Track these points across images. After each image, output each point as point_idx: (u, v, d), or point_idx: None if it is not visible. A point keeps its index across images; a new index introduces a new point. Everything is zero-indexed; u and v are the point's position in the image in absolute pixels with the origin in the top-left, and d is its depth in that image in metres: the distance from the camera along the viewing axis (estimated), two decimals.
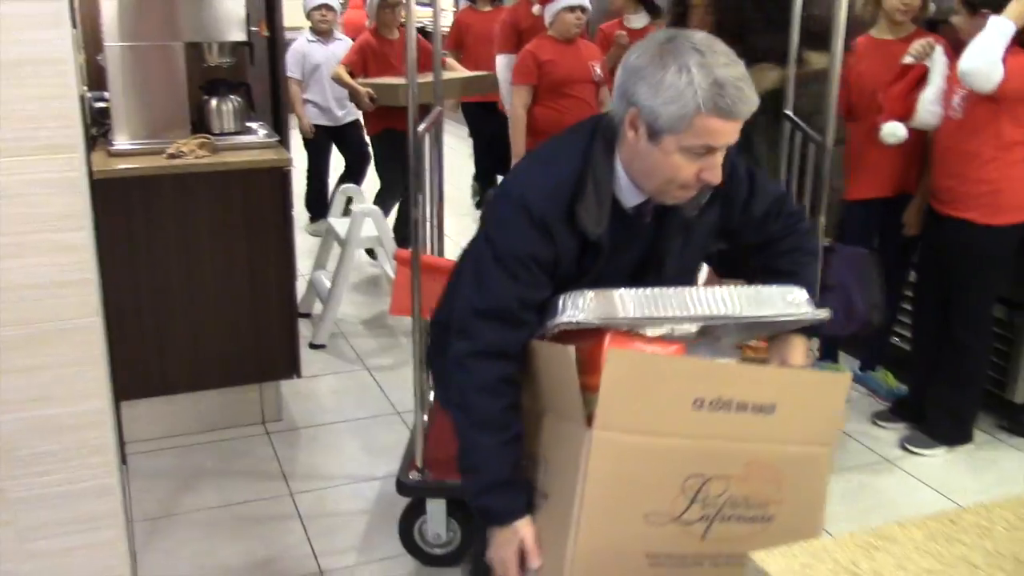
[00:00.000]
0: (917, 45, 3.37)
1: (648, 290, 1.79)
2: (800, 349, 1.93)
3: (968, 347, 3.37)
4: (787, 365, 1.91)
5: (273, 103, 4.28)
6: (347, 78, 5.04)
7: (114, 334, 2.98)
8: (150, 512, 3.11)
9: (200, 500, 3.19)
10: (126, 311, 3.31)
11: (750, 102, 1.68)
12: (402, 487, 2.80)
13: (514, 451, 1.84)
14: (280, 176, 3.43)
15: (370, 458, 3.47)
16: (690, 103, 1.66)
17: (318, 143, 5.89)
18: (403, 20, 3.68)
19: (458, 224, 5.99)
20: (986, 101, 3.12)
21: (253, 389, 3.65)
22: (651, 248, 1.91)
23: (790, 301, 1.85)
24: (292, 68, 5.47)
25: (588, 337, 1.77)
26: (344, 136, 5.87)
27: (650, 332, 1.83)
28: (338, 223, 4.72)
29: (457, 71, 5.33)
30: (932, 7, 3.58)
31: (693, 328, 1.86)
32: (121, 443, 3.03)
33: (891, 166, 3.55)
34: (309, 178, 6.07)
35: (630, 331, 1.79)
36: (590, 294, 1.77)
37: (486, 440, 1.83)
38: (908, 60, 3.38)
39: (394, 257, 2.87)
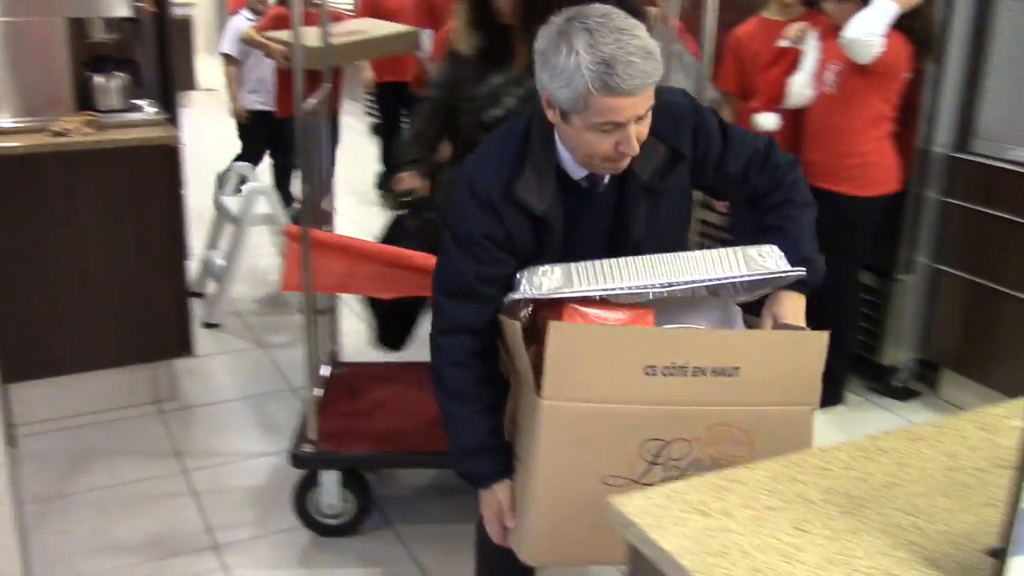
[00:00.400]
0: (793, 29, 3.52)
1: (608, 261, 1.83)
2: (788, 306, 1.89)
3: (838, 313, 3.56)
4: (778, 322, 1.88)
5: (162, 80, 4.24)
6: (256, 36, 4.83)
7: None
8: (41, 493, 3.09)
9: (92, 480, 3.18)
10: (12, 291, 3.26)
11: (642, 75, 1.67)
12: (295, 460, 2.84)
13: (487, 420, 1.94)
14: (169, 153, 3.41)
15: (265, 435, 3.50)
16: (580, 85, 1.67)
17: (252, 128, 5.50)
18: None
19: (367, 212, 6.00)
20: (858, 77, 3.29)
21: (146, 368, 3.63)
22: (615, 218, 1.93)
23: (759, 261, 1.84)
24: (228, 46, 5.16)
25: (558, 308, 1.83)
26: (285, 124, 5.12)
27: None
28: (231, 201, 4.69)
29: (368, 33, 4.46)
30: None
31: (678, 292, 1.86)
32: (10, 425, 2.99)
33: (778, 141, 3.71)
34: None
35: (601, 300, 1.82)
36: (544, 269, 1.83)
37: (459, 410, 1.95)
38: (784, 44, 3.53)
39: (283, 233, 2.89)
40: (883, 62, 3.23)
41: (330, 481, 2.86)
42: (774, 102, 3.53)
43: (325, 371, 3.29)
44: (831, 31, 3.48)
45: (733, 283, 1.83)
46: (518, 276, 1.86)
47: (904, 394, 3.85)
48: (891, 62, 3.26)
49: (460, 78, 2.84)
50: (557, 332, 1.71)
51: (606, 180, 1.89)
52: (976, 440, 1.57)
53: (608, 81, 1.66)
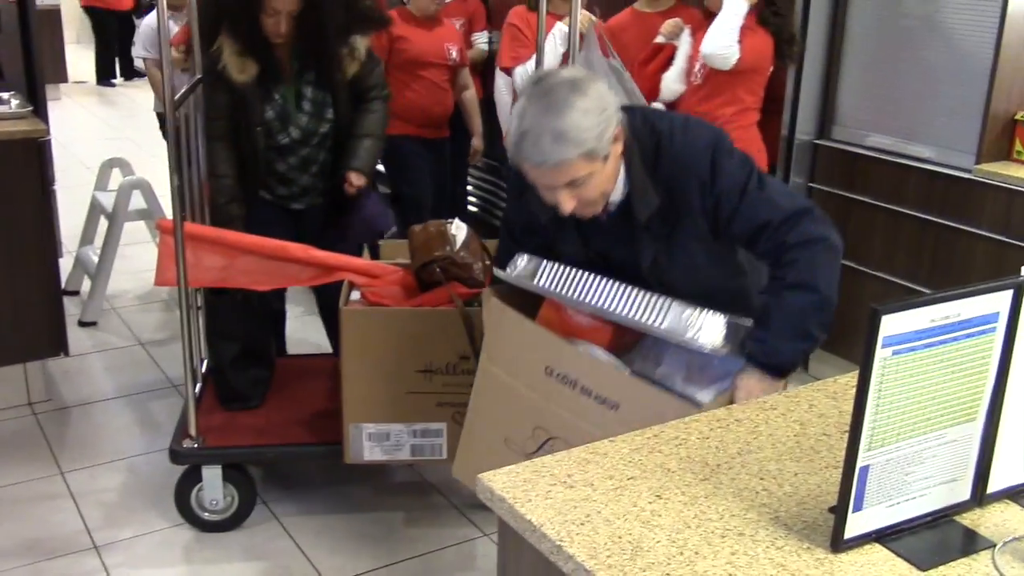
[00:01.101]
0: (668, 25, 3.60)
1: (584, 274, 2.01)
2: (746, 382, 1.89)
3: None
4: (733, 393, 1.90)
5: (27, 72, 4.11)
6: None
7: None
8: None
9: None
10: None
11: (543, 155, 1.79)
12: (176, 456, 2.81)
13: None
14: (35, 148, 3.31)
15: (145, 432, 3.44)
16: (509, 146, 1.88)
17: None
18: None
19: None
20: (724, 72, 3.41)
21: (16, 369, 3.53)
22: (625, 250, 2.04)
23: (690, 325, 1.90)
24: (147, 46, 4.76)
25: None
26: None
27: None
28: (104, 196, 4.58)
29: None
30: None
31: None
32: None
33: None
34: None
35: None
36: (524, 257, 2.07)
37: None
38: (660, 40, 3.62)
39: (157, 226, 2.85)
40: (745, 60, 3.35)
41: (212, 476, 2.84)
42: (650, 98, 3.62)
43: (203, 365, 3.26)
44: (702, 24, 3.59)
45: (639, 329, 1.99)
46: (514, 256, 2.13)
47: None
48: (754, 59, 3.38)
49: (238, 103, 2.93)
50: (488, 308, 2.16)
51: (609, 210, 2.00)
52: (824, 408, 1.67)
53: (518, 152, 1.85)
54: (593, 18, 3.59)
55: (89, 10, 9.98)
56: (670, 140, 1.95)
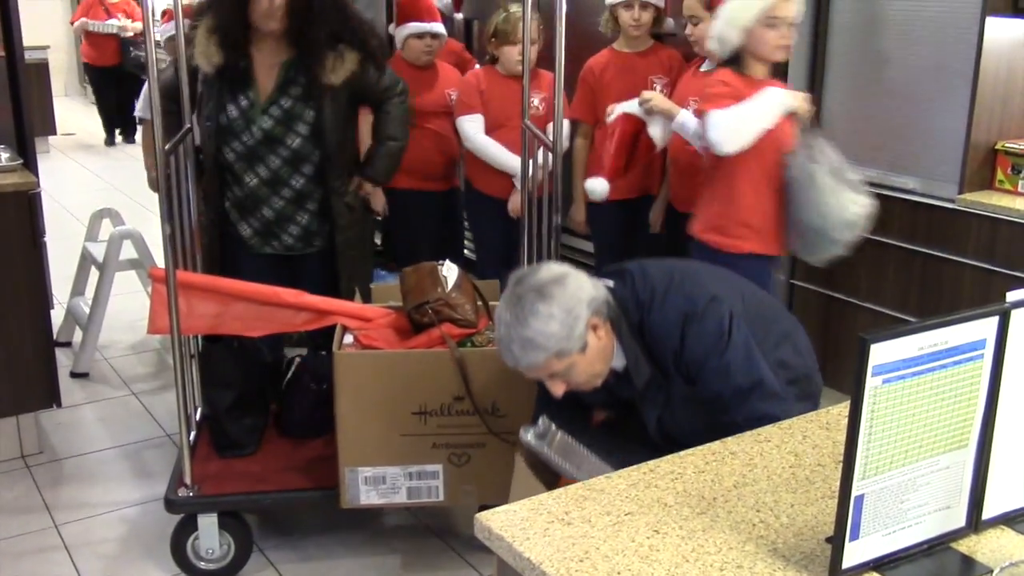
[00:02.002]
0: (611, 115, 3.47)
1: (582, 448, 2.13)
2: None
3: None
4: None
5: (16, 125, 4.13)
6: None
7: None
8: None
9: None
10: None
11: (515, 360, 1.95)
12: (171, 505, 2.80)
13: None
14: (26, 200, 3.33)
15: (139, 483, 3.42)
16: None
17: None
18: None
19: None
20: None
21: (8, 422, 3.51)
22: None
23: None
24: (145, 108, 4.73)
25: None
26: None
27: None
28: (94, 247, 4.58)
29: None
30: (669, 22, 3.85)
31: None
32: None
33: (634, 170, 3.79)
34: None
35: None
36: (541, 422, 2.15)
37: None
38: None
39: (149, 275, 2.85)
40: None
41: (208, 525, 2.82)
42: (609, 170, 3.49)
43: (198, 412, 3.25)
44: (682, 67, 3.64)
45: None
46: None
47: None
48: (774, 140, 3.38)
49: (193, 90, 2.99)
50: (516, 464, 2.25)
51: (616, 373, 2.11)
52: (817, 438, 1.68)
53: (500, 353, 2.00)
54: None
55: (86, 67, 10.16)
56: (649, 313, 2.06)
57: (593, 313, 1.95)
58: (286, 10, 2.92)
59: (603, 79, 3.81)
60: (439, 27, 4.09)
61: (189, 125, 3.01)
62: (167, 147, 2.68)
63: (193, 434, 3.06)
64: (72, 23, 9.74)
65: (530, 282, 1.95)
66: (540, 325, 1.90)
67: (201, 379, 3.14)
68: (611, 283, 2.09)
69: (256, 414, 3.08)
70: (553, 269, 1.99)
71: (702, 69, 3.56)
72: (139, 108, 4.75)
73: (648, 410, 2.13)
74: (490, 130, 3.94)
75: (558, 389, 2.01)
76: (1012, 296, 1.34)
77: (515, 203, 3.82)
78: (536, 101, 3.88)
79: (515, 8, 3.68)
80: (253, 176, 3.08)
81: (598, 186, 3.44)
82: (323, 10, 2.97)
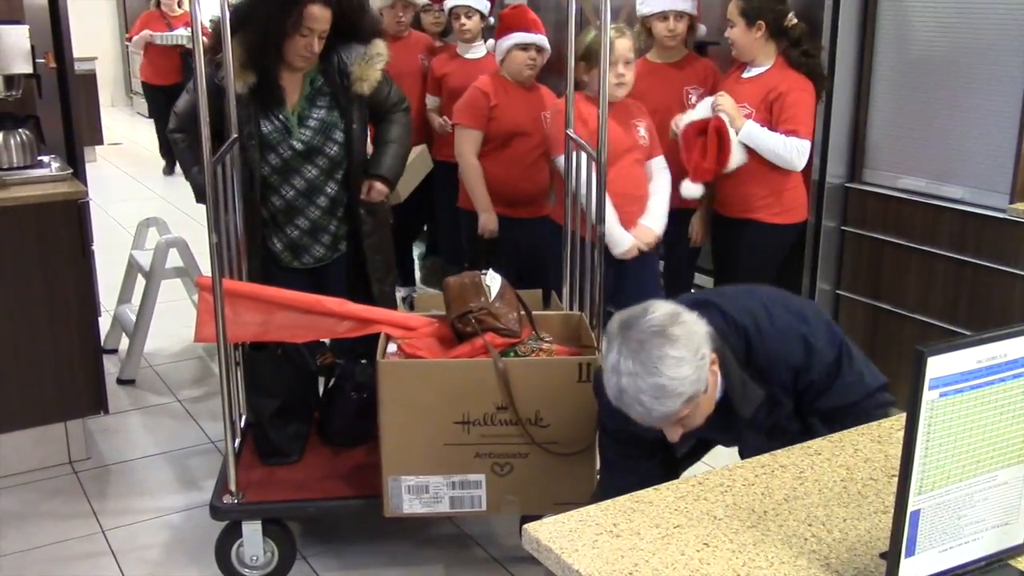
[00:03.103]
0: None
1: None
2: None
3: None
4: None
5: (66, 135, 4.20)
6: None
7: None
8: None
9: (6, 546, 3.09)
10: None
11: (647, 412, 1.78)
12: (216, 511, 2.82)
13: None
14: (76, 209, 3.38)
15: (184, 489, 3.45)
16: (609, 394, 1.85)
17: None
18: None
19: None
20: (768, 116, 3.44)
21: (57, 428, 3.56)
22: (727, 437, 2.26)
23: None
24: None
25: None
26: None
27: None
28: (141, 255, 4.64)
29: None
30: (702, 29, 3.87)
31: None
32: None
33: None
34: None
35: None
36: None
37: None
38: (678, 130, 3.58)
39: (196, 284, 2.88)
40: None
41: (252, 532, 2.84)
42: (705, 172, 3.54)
43: (243, 422, 3.27)
44: (716, 77, 3.63)
45: None
46: None
47: None
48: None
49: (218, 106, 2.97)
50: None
51: None
52: (869, 452, 1.65)
53: (619, 404, 1.83)
54: None
55: (145, 87, 8.94)
56: (759, 334, 2.02)
57: (712, 350, 1.86)
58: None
59: (638, 89, 3.70)
60: (544, 40, 3.89)
61: (236, 135, 3.03)
62: (214, 158, 2.70)
63: (238, 441, 3.08)
64: (129, 39, 8.71)
65: (646, 325, 1.79)
66: (672, 371, 1.74)
67: (245, 387, 3.17)
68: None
69: (300, 422, 3.09)
70: (664, 307, 1.84)
71: (745, 76, 3.55)
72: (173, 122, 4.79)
73: (748, 439, 2.11)
74: (504, 141, 3.91)
75: (676, 435, 1.89)
76: None
77: (646, 237, 3.53)
78: (642, 130, 3.56)
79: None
80: (290, 188, 3.13)
81: (694, 189, 3.54)
82: (352, 24, 3.03)
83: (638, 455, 2.18)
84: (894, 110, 3.64)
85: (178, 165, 9.14)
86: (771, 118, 3.47)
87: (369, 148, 3.34)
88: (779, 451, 1.65)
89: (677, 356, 1.75)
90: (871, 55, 3.68)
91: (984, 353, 1.24)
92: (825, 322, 2.12)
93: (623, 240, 3.43)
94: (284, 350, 3.02)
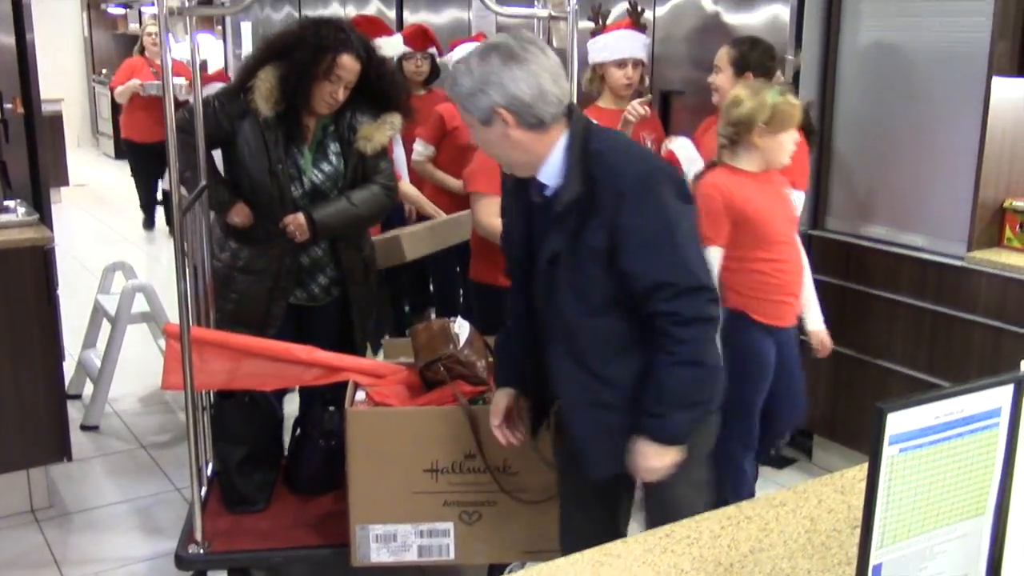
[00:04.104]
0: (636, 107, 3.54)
1: None
2: (646, 457, 2.07)
3: None
4: (636, 463, 2.09)
5: (32, 181, 4.18)
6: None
7: None
8: None
9: None
10: None
11: (449, 83, 2.08)
12: (181, 561, 2.79)
13: None
14: (41, 255, 3.36)
15: (148, 538, 3.41)
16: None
17: None
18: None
19: None
20: None
21: (20, 476, 3.51)
22: (543, 239, 2.11)
23: None
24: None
25: None
26: None
27: None
28: (106, 299, 4.62)
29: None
30: (647, 81, 3.88)
31: None
32: None
33: None
34: None
35: None
36: None
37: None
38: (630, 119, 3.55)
39: (163, 331, 2.88)
40: None
41: None
42: None
43: (210, 470, 3.25)
44: (707, 127, 3.53)
45: None
46: None
47: (780, 462, 4.00)
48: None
49: (252, 148, 3.01)
50: None
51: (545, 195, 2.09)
52: (832, 503, 1.68)
53: None
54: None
55: (128, 145, 8.08)
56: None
57: (507, 108, 1.98)
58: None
59: None
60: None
61: (205, 183, 3.04)
62: (184, 206, 2.71)
63: (204, 490, 3.06)
64: (112, 88, 7.80)
65: (511, 40, 2.01)
66: (461, 73, 2.02)
67: (212, 434, 3.15)
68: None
69: (266, 469, 3.08)
70: (529, 49, 1.99)
71: None
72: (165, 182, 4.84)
73: (552, 238, 2.05)
74: None
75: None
76: None
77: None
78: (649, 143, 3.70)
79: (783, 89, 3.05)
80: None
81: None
82: (377, 88, 3.10)
83: (516, 274, 2.27)
84: (855, 160, 3.72)
85: (161, 220, 8.31)
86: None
87: None
88: (744, 504, 1.67)
89: (468, 69, 2.00)
90: (832, 106, 3.77)
91: (942, 409, 1.27)
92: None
93: None
94: (252, 397, 3.01)
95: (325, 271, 3.20)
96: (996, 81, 3.23)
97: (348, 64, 2.98)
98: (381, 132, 3.12)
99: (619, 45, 3.69)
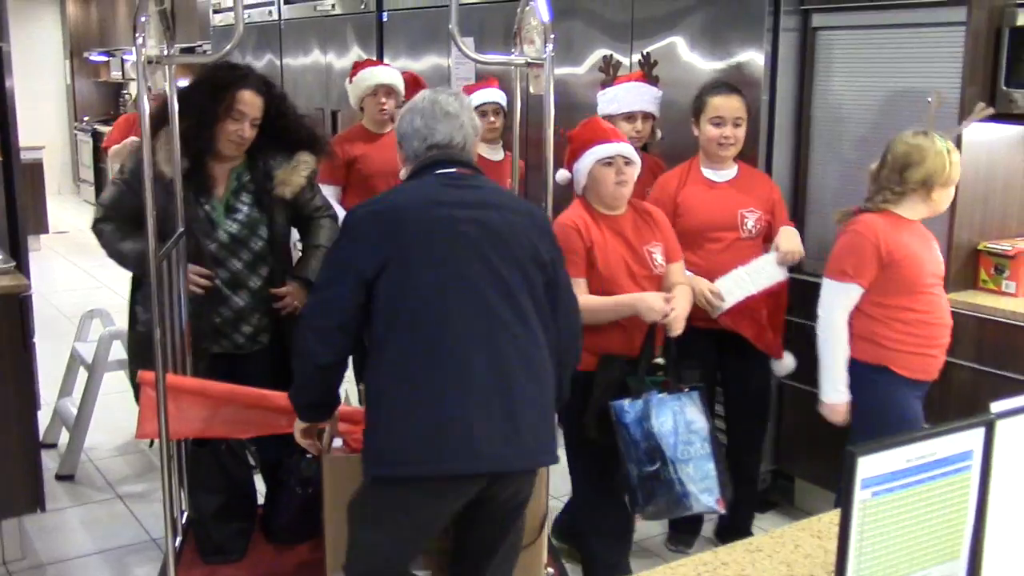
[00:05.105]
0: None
1: None
2: None
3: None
4: None
5: (10, 228, 4.17)
6: None
7: None
8: None
9: None
10: None
11: None
12: None
13: None
14: (17, 303, 3.34)
15: None
16: None
17: None
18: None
19: None
20: None
21: None
22: None
23: None
24: None
25: None
26: None
27: None
28: (84, 347, 4.58)
29: None
30: (659, 133, 3.77)
31: None
32: None
33: None
34: None
35: None
36: None
37: None
38: None
39: (139, 379, 2.85)
40: None
41: None
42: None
43: (184, 519, 3.21)
44: (685, 183, 3.42)
45: None
46: None
47: (763, 506, 3.98)
48: None
49: (164, 206, 2.91)
50: None
51: None
52: (809, 548, 1.67)
53: None
54: None
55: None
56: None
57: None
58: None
59: None
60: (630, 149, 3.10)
61: (183, 228, 3.03)
62: (161, 252, 2.70)
63: (178, 540, 3.01)
64: (106, 148, 6.99)
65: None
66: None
67: (187, 483, 3.11)
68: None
69: (242, 518, 3.04)
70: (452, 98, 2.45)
71: (720, 180, 3.43)
72: (98, 213, 4.73)
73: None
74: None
75: None
76: (996, 407, 1.35)
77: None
78: (750, 223, 3.40)
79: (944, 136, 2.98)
80: (215, 278, 3.08)
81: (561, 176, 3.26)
82: (282, 127, 3.10)
83: None
84: (831, 203, 3.74)
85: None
86: (772, 218, 3.44)
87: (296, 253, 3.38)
88: (721, 549, 1.66)
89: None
90: (808, 149, 3.80)
91: (913, 452, 1.27)
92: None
93: (843, 392, 3.08)
94: (228, 445, 2.98)
95: (250, 320, 3.13)
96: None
97: (249, 99, 2.99)
98: (296, 174, 3.12)
99: (628, 98, 3.64)
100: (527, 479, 2.32)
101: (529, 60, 2.97)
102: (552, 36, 2.77)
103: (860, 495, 1.24)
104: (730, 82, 3.52)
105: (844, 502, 1.23)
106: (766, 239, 3.46)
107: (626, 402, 2.85)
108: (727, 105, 3.35)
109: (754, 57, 3.75)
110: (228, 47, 2.76)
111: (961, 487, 1.33)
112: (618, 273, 2.96)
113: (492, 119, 4.17)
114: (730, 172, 3.45)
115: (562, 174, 3.19)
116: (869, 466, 1.24)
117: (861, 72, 3.59)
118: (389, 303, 2.19)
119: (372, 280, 2.19)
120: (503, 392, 2.16)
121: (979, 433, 1.34)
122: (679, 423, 2.86)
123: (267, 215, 3.11)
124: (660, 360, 2.98)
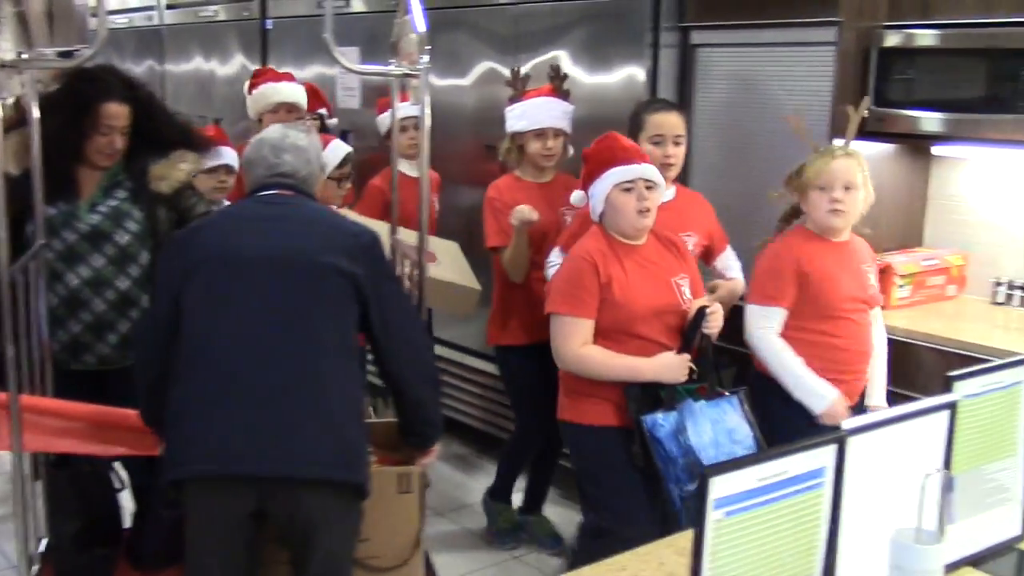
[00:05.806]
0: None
1: None
2: None
3: None
4: None
5: None
6: None
7: None
8: None
9: None
10: None
11: None
12: None
13: None
14: None
15: None
16: None
17: None
18: None
19: None
20: None
21: None
22: None
23: None
24: None
25: None
26: None
27: None
28: None
29: None
30: (571, 150, 3.60)
31: None
32: None
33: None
34: None
35: None
36: None
37: None
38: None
39: None
40: None
41: None
42: None
43: (43, 545, 3.05)
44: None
45: None
46: None
47: None
48: None
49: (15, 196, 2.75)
50: None
51: None
52: (673, 566, 1.66)
53: None
54: None
55: None
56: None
57: None
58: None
59: (506, 203, 3.46)
60: (653, 171, 2.86)
61: (43, 241, 2.88)
62: (16, 265, 2.57)
63: (36, 568, 2.86)
64: None
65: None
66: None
67: (46, 506, 2.96)
68: None
69: (104, 543, 2.90)
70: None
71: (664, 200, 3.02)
72: None
73: None
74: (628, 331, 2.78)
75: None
76: (847, 424, 1.36)
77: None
78: (692, 244, 3.18)
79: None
80: (74, 276, 2.89)
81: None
82: (154, 128, 3.00)
83: None
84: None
85: None
86: (711, 242, 3.33)
87: None
88: (585, 569, 1.64)
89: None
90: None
91: (766, 471, 1.27)
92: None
93: (828, 393, 2.82)
94: (92, 465, 2.85)
95: (115, 327, 2.93)
96: (838, 143, 3.33)
97: (115, 111, 2.89)
98: (175, 170, 3.01)
99: (538, 114, 3.46)
100: (312, 498, 2.26)
101: (406, 72, 2.92)
102: (427, 48, 2.73)
103: (713, 515, 1.23)
104: (664, 98, 3.49)
105: (696, 523, 1.22)
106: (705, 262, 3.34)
107: (659, 415, 2.59)
108: (667, 122, 3.16)
109: (635, 72, 3.78)
110: (89, 53, 2.65)
111: (814, 504, 1.34)
112: (641, 310, 2.71)
113: (413, 134, 3.71)
114: (668, 194, 3.15)
115: (577, 195, 2.97)
116: (722, 486, 1.23)
117: (739, 88, 3.66)
118: (184, 319, 2.32)
119: (177, 296, 2.33)
120: (270, 404, 2.23)
121: (831, 450, 1.35)
122: (719, 433, 2.60)
123: (144, 211, 2.95)
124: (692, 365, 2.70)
